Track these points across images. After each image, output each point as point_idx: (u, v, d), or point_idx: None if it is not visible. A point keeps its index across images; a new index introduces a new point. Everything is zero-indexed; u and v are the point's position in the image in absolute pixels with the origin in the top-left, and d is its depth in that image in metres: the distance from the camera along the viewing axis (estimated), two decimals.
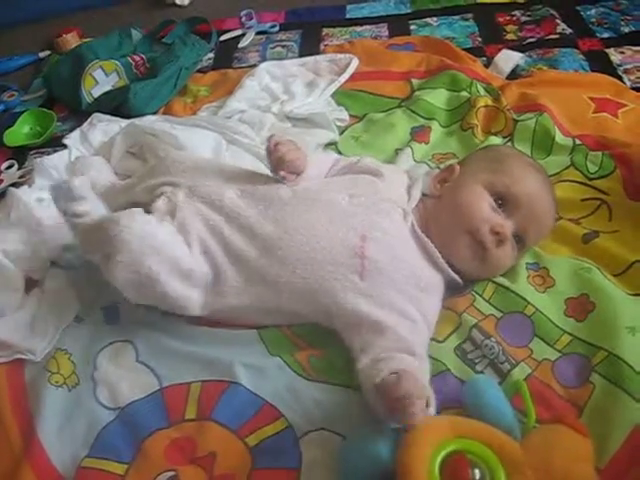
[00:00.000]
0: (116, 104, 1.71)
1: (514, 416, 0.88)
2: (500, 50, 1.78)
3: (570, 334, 1.04)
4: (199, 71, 1.91)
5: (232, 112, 1.62)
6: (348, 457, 0.89)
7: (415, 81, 1.67)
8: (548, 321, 1.05)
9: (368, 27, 2.02)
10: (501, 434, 0.83)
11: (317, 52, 1.91)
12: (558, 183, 1.28)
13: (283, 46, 2.00)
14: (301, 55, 1.90)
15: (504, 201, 1.09)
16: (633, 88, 1.57)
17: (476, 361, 1.02)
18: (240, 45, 2.03)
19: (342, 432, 0.95)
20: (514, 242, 1.09)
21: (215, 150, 1.46)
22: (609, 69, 1.65)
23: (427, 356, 0.99)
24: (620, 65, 1.67)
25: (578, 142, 1.38)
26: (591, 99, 1.50)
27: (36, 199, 1.33)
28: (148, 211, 1.10)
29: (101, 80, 1.81)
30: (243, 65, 1.93)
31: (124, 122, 1.60)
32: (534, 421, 0.88)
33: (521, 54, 1.75)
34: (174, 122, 1.57)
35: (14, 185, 1.49)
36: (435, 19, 2.01)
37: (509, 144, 1.42)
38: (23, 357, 1.11)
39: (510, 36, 1.88)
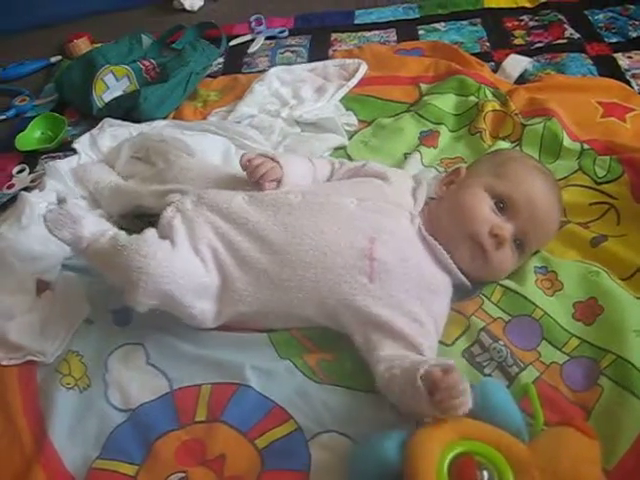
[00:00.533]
0: (127, 109, 1.71)
1: (522, 419, 0.88)
2: (508, 55, 1.78)
3: (578, 337, 1.04)
4: (209, 76, 1.92)
5: (241, 117, 1.63)
6: (356, 460, 0.89)
7: (423, 86, 1.67)
8: (556, 324, 1.05)
9: (377, 32, 2.03)
10: (509, 436, 0.83)
11: (326, 57, 1.91)
12: (566, 187, 1.28)
13: (292, 51, 2.01)
14: (310, 60, 1.91)
15: (505, 204, 1.10)
16: None
17: (484, 364, 1.02)
18: (249, 50, 2.04)
19: (351, 434, 0.95)
20: (514, 245, 1.09)
21: (224, 155, 1.46)
22: (617, 74, 1.65)
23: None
24: (628, 70, 1.67)
25: (586, 146, 1.38)
26: (599, 104, 1.50)
27: (47, 203, 1.34)
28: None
29: (112, 85, 1.82)
30: (253, 70, 1.94)
31: (134, 127, 1.61)
32: (542, 424, 0.88)
33: (529, 59, 1.75)
34: (183, 127, 1.59)
35: (25, 189, 1.50)
36: (443, 24, 2.02)
37: (517, 148, 1.42)
38: (34, 359, 1.12)
39: (518, 41, 1.88)
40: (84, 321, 1.17)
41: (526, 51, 1.80)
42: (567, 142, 1.40)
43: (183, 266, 1.03)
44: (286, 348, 1.08)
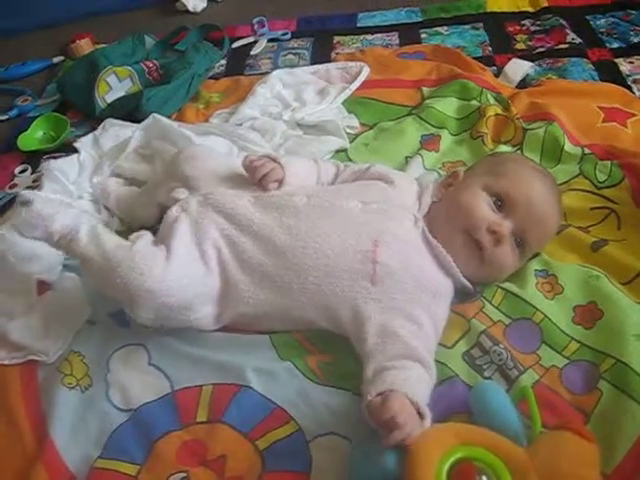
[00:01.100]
0: (129, 110, 1.72)
1: (520, 422, 0.89)
2: (510, 59, 1.79)
3: (578, 341, 1.04)
4: (211, 78, 1.92)
5: (243, 119, 1.63)
6: (356, 463, 0.89)
7: (425, 89, 1.67)
8: (556, 328, 1.06)
9: (379, 35, 2.04)
10: (507, 441, 0.84)
11: (328, 60, 1.92)
12: (567, 192, 1.28)
13: (295, 54, 2.01)
14: (313, 63, 1.91)
15: (503, 201, 1.10)
16: None
17: (484, 367, 1.02)
18: (252, 52, 2.04)
19: (351, 437, 0.95)
20: (514, 243, 1.09)
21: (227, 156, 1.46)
22: (618, 79, 1.66)
23: (434, 362, 0.99)
24: (629, 75, 1.67)
25: (587, 151, 1.39)
26: (600, 109, 1.51)
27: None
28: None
29: (115, 86, 1.82)
30: (255, 72, 1.94)
31: (136, 127, 1.61)
32: (540, 427, 0.88)
33: (531, 63, 1.75)
34: (185, 129, 1.58)
35: (28, 189, 1.49)
36: (446, 28, 2.02)
37: (518, 153, 1.43)
38: (36, 359, 1.12)
39: (520, 45, 1.89)
40: (86, 322, 1.17)
41: (528, 56, 1.81)
42: (568, 147, 1.41)
43: (180, 277, 1.03)
44: (287, 349, 1.08)
